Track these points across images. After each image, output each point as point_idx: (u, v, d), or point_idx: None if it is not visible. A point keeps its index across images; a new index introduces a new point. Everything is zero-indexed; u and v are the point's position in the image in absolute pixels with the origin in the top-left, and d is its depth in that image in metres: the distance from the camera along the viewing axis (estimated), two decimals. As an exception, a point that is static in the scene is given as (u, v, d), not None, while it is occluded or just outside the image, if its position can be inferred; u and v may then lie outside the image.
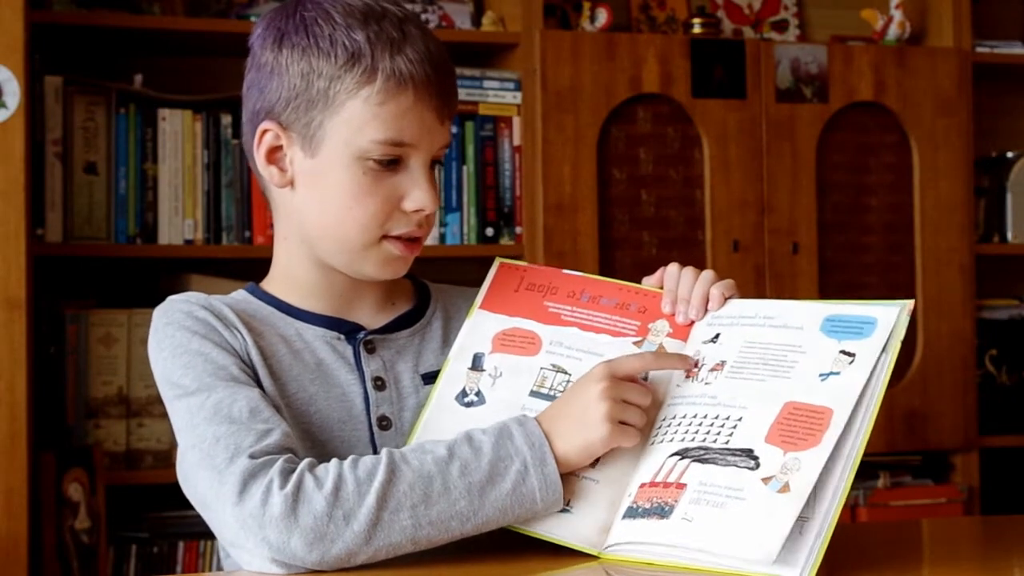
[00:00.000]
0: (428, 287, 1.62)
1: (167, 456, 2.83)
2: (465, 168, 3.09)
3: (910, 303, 1.36)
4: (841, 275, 3.24)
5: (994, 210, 3.51)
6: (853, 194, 3.27)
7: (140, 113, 2.92)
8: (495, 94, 3.11)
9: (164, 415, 2.83)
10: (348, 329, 1.52)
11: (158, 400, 2.85)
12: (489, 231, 3.09)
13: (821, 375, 1.34)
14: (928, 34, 3.47)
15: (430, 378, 1.52)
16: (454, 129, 3.08)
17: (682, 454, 1.36)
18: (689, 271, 1.51)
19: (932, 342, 3.27)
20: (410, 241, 1.48)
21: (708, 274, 1.50)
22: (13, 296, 2.57)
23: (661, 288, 1.51)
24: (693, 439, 1.37)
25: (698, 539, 1.29)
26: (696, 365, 1.43)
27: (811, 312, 1.40)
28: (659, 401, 1.43)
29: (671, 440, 1.38)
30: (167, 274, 2.97)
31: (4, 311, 2.57)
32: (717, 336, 1.44)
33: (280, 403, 1.45)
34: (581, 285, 1.54)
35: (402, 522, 1.30)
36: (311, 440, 1.45)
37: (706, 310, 1.48)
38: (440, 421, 1.46)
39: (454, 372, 1.49)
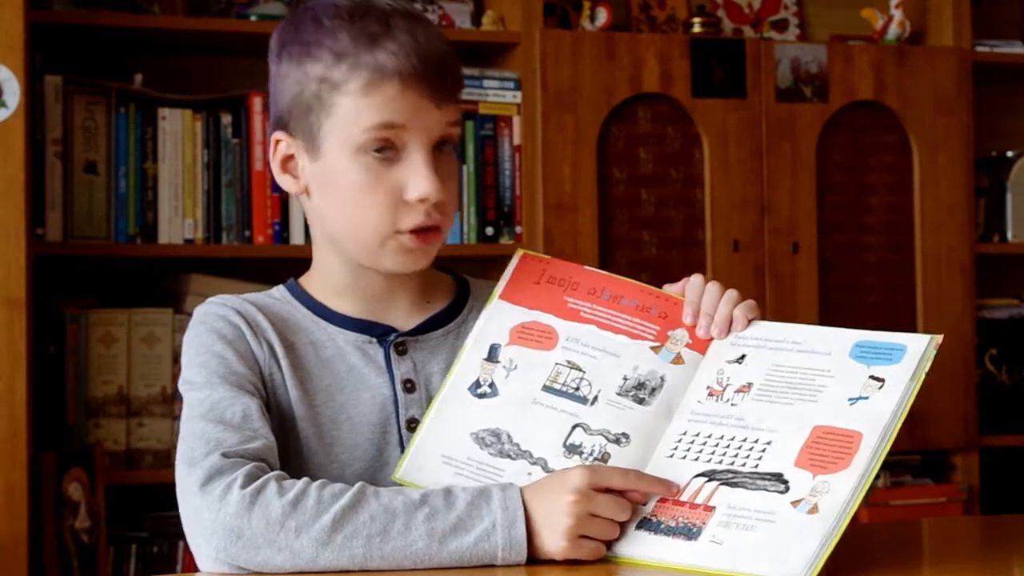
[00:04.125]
0: (468, 283, 1.62)
1: (167, 456, 2.83)
2: (465, 168, 3.09)
3: (939, 337, 1.37)
4: (841, 275, 3.24)
5: (994, 210, 3.50)
6: (853, 194, 3.27)
7: (140, 113, 2.91)
8: (495, 94, 3.11)
9: (164, 415, 2.84)
10: (380, 332, 1.53)
11: (158, 400, 2.89)
12: (489, 231, 3.09)
13: (850, 399, 1.34)
14: (928, 34, 3.47)
15: None
16: (454, 129, 3.07)
17: (709, 476, 1.36)
18: (714, 286, 1.49)
19: (932, 342, 3.26)
20: (424, 232, 1.47)
21: (732, 294, 1.49)
22: (13, 296, 2.57)
23: (682, 296, 1.50)
24: (721, 461, 1.36)
25: (725, 560, 1.29)
26: (720, 384, 1.43)
27: (840, 338, 1.40)
28: (670, 412, 1.43)
29: (695, 459, 1.38)
30: (167, 274, 2.97)
31: (4, 311, 2.57)
32: (743, 357, 1.44)
33: (303, 412, 1.47)
34: (603, 283, 1.52)
35: (354, 549, 1.30)
36: (341, 446, 1.47)
37: (729, 330, 1.47)
38: (452, 410, 1.45)
39: (469, 362, 1.49)
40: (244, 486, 1.32)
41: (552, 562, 1.34)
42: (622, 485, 1.36)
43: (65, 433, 2.82)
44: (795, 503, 1.29)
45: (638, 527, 1.36)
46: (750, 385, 1.41)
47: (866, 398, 1.34)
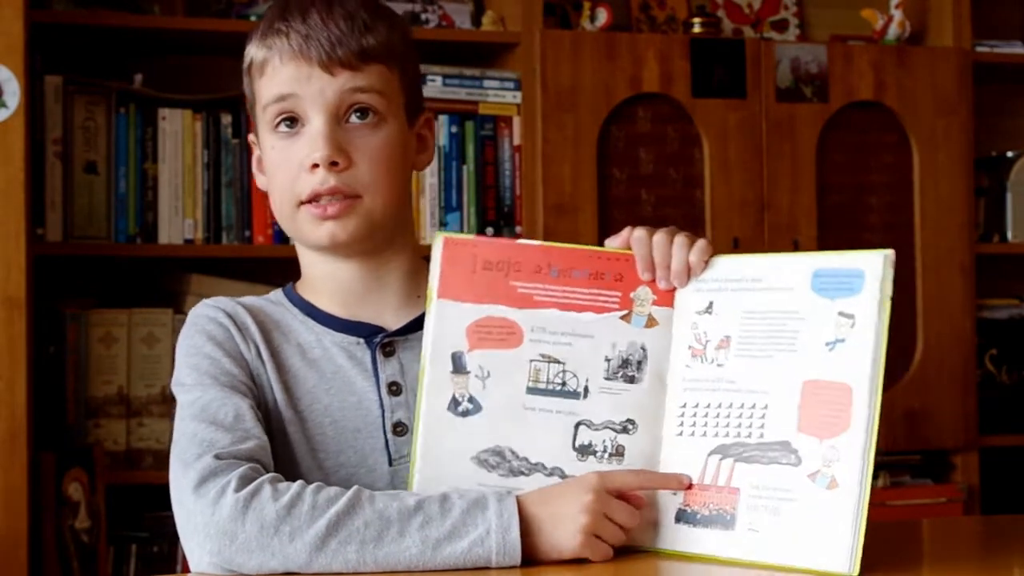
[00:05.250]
0: None
1: (167, 456, 2.79)
2: (465, 168, 3.09)
3: (891, 252, 1.31)
4: (841, 275, 3.24)
5: (994, 210, 3.50)
6: (853, 194, 3.27)
7: (140, 113, 2.91)
8: (495, 94, 3.11)
9: (164, 415, 2.84)
10: (368, 332, 1.52)
11: (158, 400, 2.89)
12: (489, 231, 3.09)
13: (828, 344, 1.31)
14: (928, 34, 3.47)
15: None
16: (454, 128, 3.08)
17: (722, 453, 1.35)
18: (661, 235, 1.42)
19: (932, 342, 3.27)
20: (329, 203, 1.46)
21: (682, 239, 1.42)
22: (13, 296, 2.57)
23: (629, 251, 1.43)
24: (728, 434, 1.35)
25: (767, 551, 1.30)
26: (699, 341, 1.40)
27: (797, 268, 1.36)
28: (662, 381, 1.41)
29: (703, 435, 1.37)
30: (167, 274, 2.97)
31: (4, 311, 2.57)
32: (711, 305, 1.40)
33: (290, 416, 1.47)
34: (544, 256, 1.42)
35: (347, 554, 1.29)
36: (326, 451, 1.47)
37: (689, 276, 1.41)
38: (439, 437, 1.39)
39: (436, 379, 1.40)
40: (238, 489, 1.31)
41: (559, 565, 1.34)
42: (636, 484, 1.37)
43: (65, 433, 2.82)
44: (811, 476, 1.29)
45: (677, 520, 1.36)
46: (728, 339, 1.38)
47: (842, 340, 1.31)
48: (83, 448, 2.79)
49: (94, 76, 2.91)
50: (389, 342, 1.52)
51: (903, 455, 3.28)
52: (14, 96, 2.59)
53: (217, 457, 1.35)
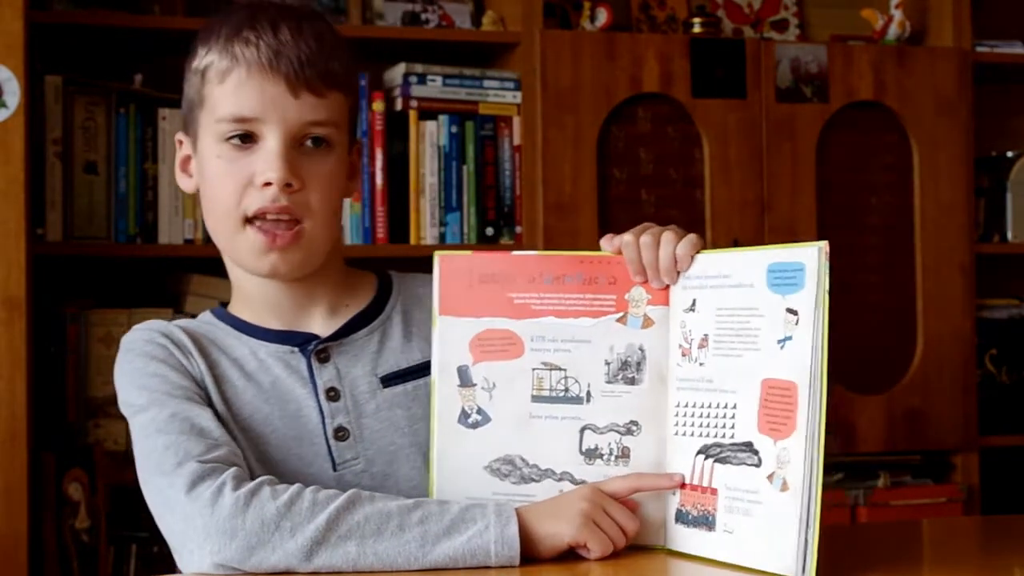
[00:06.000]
0: (392, 279, 1.60)
1: (167, 456, 2.82)
2: (465, 168, 3.09)
3: (825, 244, 1.29)
4: (841, 275, 3.24)
5: (994, 210, 3.50)
6: (853, 194, 3.27)
7: (140, 113, 2.91)
8: (495, 94, 3.11)
9: (164, 415, 2.84)
10: (301, 341, 1.52)
11: (158, 400, 2.87)
12: (489, 231, 3.09)
13: (779, 341, 1.32)
14: (928, 34, 3.47)
15: (391, 380, 1.51)
16: (454, 128, 3.08)
17: (705, 453, 1.37)
18: (648, 238, 1.42)
19: (932, 342, 3.27)
20: (276, 232, 1.46)
21: (668, 235, 1.42)
22: (13, 296, 2.57)
23: (620, 254, 1.44)
24: (709, 434, 1.37)
25: (738, 553, 1.32)
26: (687, 340, 1.40)
27: (755, 264, 1.36)
28: (663, 381, 1.42)
29: (692, 434, 1.39)
30: (167, 274, 2.97)
31: (4, 311, 2.57)
32: (694, 303, 1.40)
33: (233, 429, 1.46)
34: (537, 266, 1.44)
35: (347, 548, 1.30)
36: (270, 461, 1.46)
37: (678, 273, 1.41)
38: (453, 449, 1.43)
39: (445, 394, 1.44)
40: (236, 488, 1.32)
41: (559, 564, 1.34)
42: (630, 487, 1.39)
43: (65, 433, 2.82)
44: (769, 477, 1.30)
45: (676, 520, 1.39)
46: (707, 337, 1.39)
47: (790, 338, 1.31)
48: (83, 448, 2.79)
49: (94, 76, 2.91)
50: (323, 348, 1.52)
51: (903, 455, 3.28)
52: (14, 96, 2.58)
53: (200, 462, 1.35)
